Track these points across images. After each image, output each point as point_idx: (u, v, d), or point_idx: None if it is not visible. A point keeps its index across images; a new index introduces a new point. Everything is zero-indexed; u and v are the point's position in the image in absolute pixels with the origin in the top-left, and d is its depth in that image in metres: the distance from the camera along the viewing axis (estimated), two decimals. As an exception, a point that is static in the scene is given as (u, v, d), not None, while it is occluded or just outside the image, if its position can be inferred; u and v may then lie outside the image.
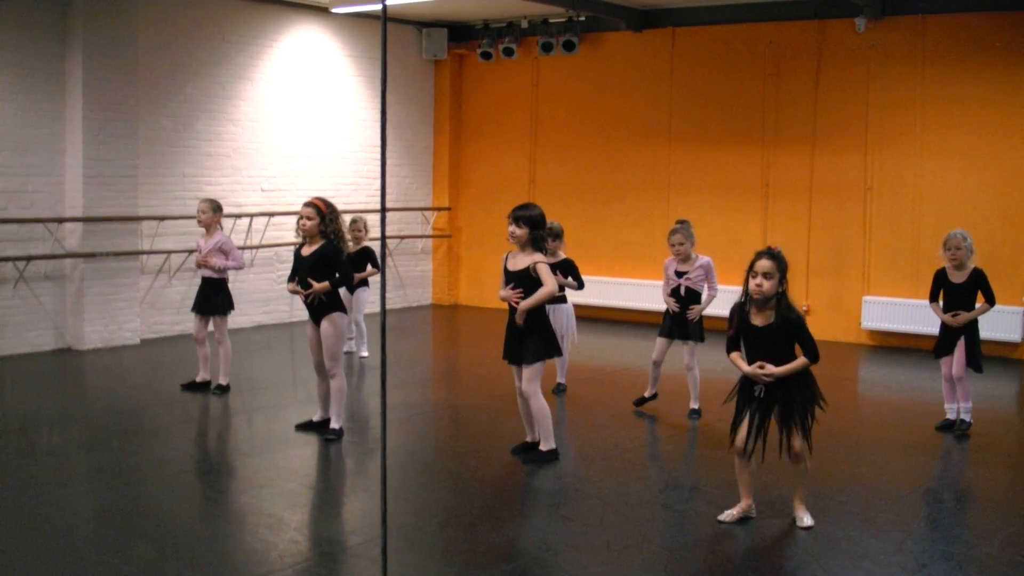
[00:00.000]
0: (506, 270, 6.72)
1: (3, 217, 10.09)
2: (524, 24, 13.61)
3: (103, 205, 10.64)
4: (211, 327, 8.72)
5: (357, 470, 6.79)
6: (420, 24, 14.17)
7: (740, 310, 5.54)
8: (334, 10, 12.40)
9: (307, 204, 7.24)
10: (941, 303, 7.69)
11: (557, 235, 8.65)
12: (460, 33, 14.24)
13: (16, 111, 10.23)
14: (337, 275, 7.21)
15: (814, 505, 5.93)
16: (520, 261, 6.65)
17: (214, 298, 8.62)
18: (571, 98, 13.71)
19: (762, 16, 12.15)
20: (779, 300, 5.42)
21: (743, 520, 5.65)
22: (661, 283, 8.36)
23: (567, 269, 8.58)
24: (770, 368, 5.40)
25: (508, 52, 13.52)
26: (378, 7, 11.95)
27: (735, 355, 5.59)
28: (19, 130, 10.26)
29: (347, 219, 10.45)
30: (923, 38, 11.27)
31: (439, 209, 14.61)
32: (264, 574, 4.91)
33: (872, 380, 10.28)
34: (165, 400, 8.46)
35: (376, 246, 13.32)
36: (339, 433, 7.30)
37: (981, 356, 7.63)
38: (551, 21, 13.22)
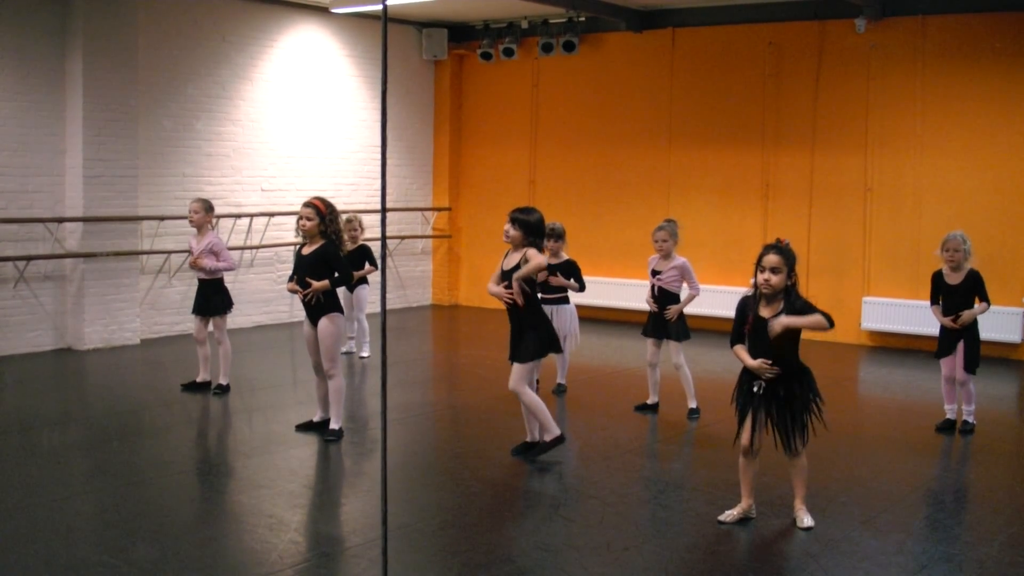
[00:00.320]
0: (502, 270, 6.76)
1: (3, 217, 10.09)
2: (524, 24, 13.61)
3: (103, 205, 10.64)
4: (211, 327, 8.71)
5: (357, 471, 6.79)
6: (420, 24, 14.18)
7: (750, 303, 5.56)
8: (334, 10, 12.40)
9: (306, 204, 7.24)
10: (940, 304, 7.70)
11: (559, 236, 8.64)
12: (460, 33, 14.25)
13: (16, 111, 10.23)
14: (336, 274, 7.22)
15: (814, 505, 5.93)
16: (513, 259, 6.70)
17: (212, 298, 8.62)
18: (571, 99, 13.71)
19: (762, 17, 12.15)
20: (788, 293, 5.44)
21: (743, 520, 5.65)
22: None
23: (569, 270, 8.58)
24: (783, 319, 5.35)
25: (508, 52, 13.53)
26: (378, 7, 11.95)
27: (739, 348, 5.59)
28: (19, 130, 10.26)
29: (343, 219, 10.50)
30: (923, 39, 11.27)
31: (439, 209, 14.61)
32: (264, 574, 4.91)
33: (872, 381, 10.27)
34: (165, 400, 8.46)
35: (372, 245, 13.34)
36: (339, 434, 7.29)
37: (978, 358, 7.62)
38: (551, 22, 13.22)
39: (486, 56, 13.68)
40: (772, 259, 5.41)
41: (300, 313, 11.24)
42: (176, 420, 8.03)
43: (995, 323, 10.77)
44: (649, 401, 8.34)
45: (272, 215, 12.33)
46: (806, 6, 11.84)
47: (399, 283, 14.27)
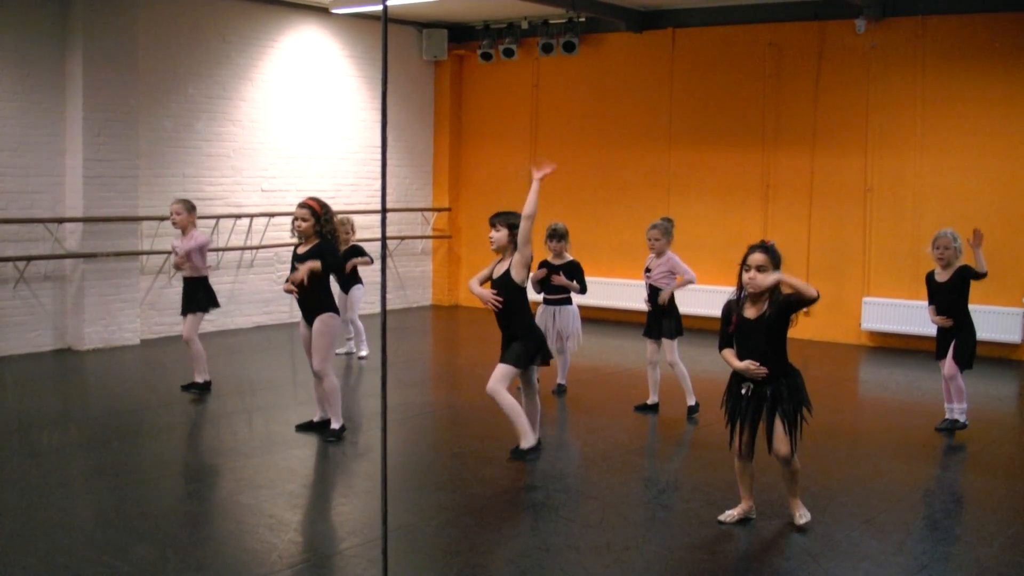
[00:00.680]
0: (491, 275, 6.67)
1: (3, 217, 10.10)
2: (524, 25, 13.61)
3: (103, 205, 10.64)
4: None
5: (357, 471, 6.79)
6: (420, 25, 14.18)
7: (734, 306, 5.48)
8: (334, 11, 12.40)
9: (301, 205, 7.23)
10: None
11: (562, 236, 8.66)
12: (460, 34, 14.25)
13: (16, 111, 10.23)
14: (327, 260, 7.14)
15: (814, 505, 5.93)
16: (501, 266, 6.56)
17: (195, 295, 8.50)
18: (571, 99, 13.71)
19: (762, 17, 12.15)
20: (772, 293, 5.37)
21: (743, 521, 5.64)
22: None
23: (572, 271, 8.59)
24: (775, 274, 5.26)
25: (508, 53, 13.53)
26: (378, 8, 11.96)
27: (727, 352, 5.53)
28: (19, 130, 10.26)
29: (352, 219, 10.51)
30: (923, 39, 11.27)
31: (439, 210, 14.62)
32: (264, 574, 4.91)
33: (872, 381, 10.28)
34: (165, 400, 8.46)
35: (372, 245, 13.31)
36: (339, 433, 7.29)
37: (970, 354, 7.53)
38: (551, 22, 13.22)
39: (486, 56, 13.68)
40: (758, 257, 5.35)
41: (300, 313, 11.25)
42: (176, 420, 8.03)
43: (995, 323, 10.78)
44: (649, 401, 8.34)
45: (272, 215, 12.33)
46: (806, 6, 11.84)
47: (399, 283, 14.27)
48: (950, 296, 7.52)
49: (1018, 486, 6.70)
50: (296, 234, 7.34)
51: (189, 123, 11.64)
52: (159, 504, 6.02)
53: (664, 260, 8.07)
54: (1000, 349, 10.91)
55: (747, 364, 5.40)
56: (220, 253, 11.92)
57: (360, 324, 10.45)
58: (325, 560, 5.12)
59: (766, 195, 12.29)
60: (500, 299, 6.52)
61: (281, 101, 12.61)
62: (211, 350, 10.51)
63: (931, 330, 7.81)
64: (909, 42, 11.34)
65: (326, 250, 7.19)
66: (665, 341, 8.07)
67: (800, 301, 5.34)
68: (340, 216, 10.29)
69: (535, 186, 6.41)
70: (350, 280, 10.16)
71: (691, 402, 8.18)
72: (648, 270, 8.14)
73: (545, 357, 6.72)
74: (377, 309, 12.41)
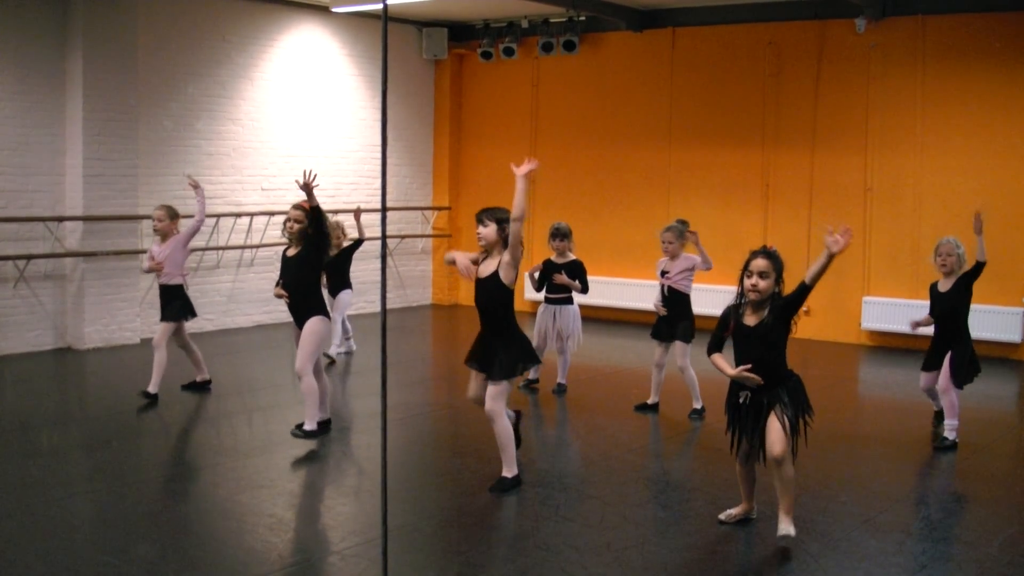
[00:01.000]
0: (477, 278, 6.18)
1: (3, 216, 10.09)
2: (524, 24, 13.61)
3: (103, 204, 10.64)
4: (125, 338, 8.40)
5: (357, 470, 6.79)
6: (420, 24, 14.17)
7: (734, 312, 5.33)
8: (334, 9, 12.40)
9: (296, 207, 7.17)
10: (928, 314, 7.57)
11: (565, 235, 8.66)
12: (460, 33, 14.24)
13: (16, 111, 10.23)
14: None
15: (814, 505, 5.94)
16: (491, 264, 6.10)
17: (171, 302, 8.36)
18: (571, 98, 13.71)
19: (762, 16, 12.15)
20: (774, 300, 5.26)
21: (743, 521, 5.63)
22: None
23: (575, 271, 8.59)
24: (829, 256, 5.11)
25: (508, 52, 13.52)
26: (378, 6, 11.95)
27: (716, 357, 5.37)
28: (19, 130, 10.26)
29: (342, 222, 10.47)
30: (923, 39, 11.26)
31: (439, 209, 14.61)
32: (264, 574, 4.91)
33: (872, 381, 10.28)
34: (165, 400, 8.45)
35: (372, 245, 13.31)
36: (310, 434, 7.06)
37: (967, 372, 7.34)
38: (551, 21, 13.22)
39: (486, 55, 13.68)
40: (760, 263, 5.23)
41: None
42: (176, 419, 8.03)
43: (995, 323, 10.78)
44: (649, 401, 8.30)
45: (272, 214, 12.33)
46: (806, 6, 11.84)
47: (399, 283, 14.27)
48: (950, 304, 7.36)
49: (1018, 486, 6.70)
50: (287, 235, 7.23)
51: (189, 122, 11.64)
52: (159, 504, 6.02)
53: (680, 260, 8.02)
54: (1000, 349, 10.91)
55: (739, 371, 5.24)
56: (220, 252, 11.92)
57: (340, 328, 10.18)
58: (325, 560, 5.12)
59: (766, 194, 12.29)
60: (476, 265, 6.12)
61: (281, 100, 12.61)
62: (211, 349, 10.53)
63: (931, 330, 7.74)
64: (909, 42, 11.34)
65: (316, 247, 7.09)
66: (678, 344, 8.00)
67: (796, 301, 5.20)
68: (332, 220, 10.28)
69: (521, 185, 5.96)
70: (339, 284, 10.03)
71: (697, 406, 8.13)
72: (664, 272, 8.07)
73: (528, 363, 6.27)
74: (377, 308, 12.41)
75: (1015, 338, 10.83)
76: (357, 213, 9.96)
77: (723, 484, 6.28)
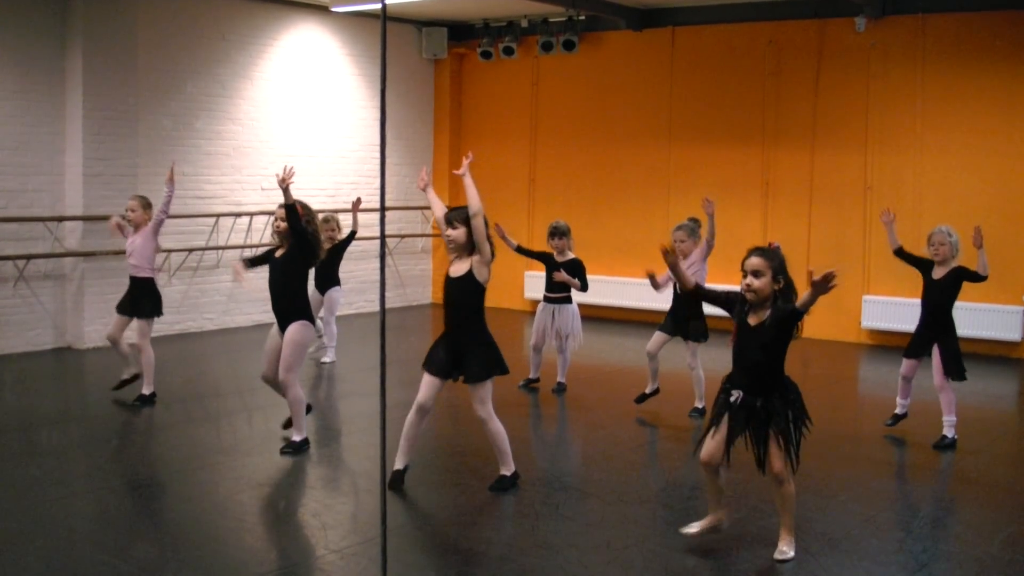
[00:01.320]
0: (447, 276, 6.09)
1: (3, 216, 10.09)
2: (524, 23, 13.61)
3: (103, 204, 10.63)
4: (134, 335, 8.26)
5: (357, 470, 6.79)
6: (420, 23, 14.17)
7: (740, 308, 5.09)
8: (334, 9, 12.40)
9: (283, 206, 6.96)
10: (920, 300, 7.52)
11: (564, 233, 8.67)
12: (460, 32, 14.24)
13: (16, 110, 10.23)
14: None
15: (814, 504, 5.93)
16: (461, 266, 6.01)
17: (141, 300, 8.23)
18: (571, 97, 13.71)
19: (762, 15, 12.14)
20: (775, 299, 5.00)
21: (714, 531, 5.28)
22: None
23: (575, 269, 8.58)
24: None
25: (508, 51, 13.52)
26: (378, 6, 11.94)
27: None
28: (19, 129, 10.26)
29: (319, 218, 10.40)
30: (923, 37, 11.26)
31: (439, 208, 14.60)
32: (264, 574, 4.91)
33: (872, 379, 10.27)
34: (164, 399, 8.45)
35: (372, 244, 13.26)
36: (299, 446, 6.93)
37: (961, 363, 7.28)
38: (551, 20, 13.21)
39: (486, 55, 13.67)
40: (753, 261, 4.98)
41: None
42: (176, 418, 8.03)
43: (995, 322, 10.78)
44: (648, 390, 8.18)
45: (272, 214, 12.29)
46: (806, 5, 11.83)
47: (399, 282, 14.26)
48: (941, 296, 7.34)
49: (1018, 484, 6.70)
50: (275, 235, 7.06)
51: (188, 121, 11.63)
52: (159, 503, 6.02)
53: (694, 259, 7.96)
54: (1000, 347, 10.91)
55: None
56: (220, 252, 11.91)
57: (335, 329, 10.11)
58: (325, 559, 5.12)
59: (766, 193, 12.29)
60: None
61: (281, 99, 12.60)
62: (211, 349, 10.55)
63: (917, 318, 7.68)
64: (909, 40, 11.34)
65: (302, 247, 6.91)
66: (690, 344, 7.98)
67: (796, 312, 4.92)
68: (326, 214, 10.25)
69: (466, 181, 5.93)
70: (327, 281, 9.96)
71: (699, 405, 8.10)
72: None
73: (501, 369, 6.12)
74: (376, 308, 12.39)
75: (1015, 337, 10.83)
76: (355, 205, 9.83)
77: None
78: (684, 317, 8.00)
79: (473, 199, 5.87)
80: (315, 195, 12.91)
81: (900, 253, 7.70)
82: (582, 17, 12.96)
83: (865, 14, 11.27)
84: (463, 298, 6.03)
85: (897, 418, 7.65)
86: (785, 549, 5.12)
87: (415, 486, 6.27)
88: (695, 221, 8.14)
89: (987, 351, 10.91)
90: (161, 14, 11.29)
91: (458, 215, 5.98)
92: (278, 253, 7.07)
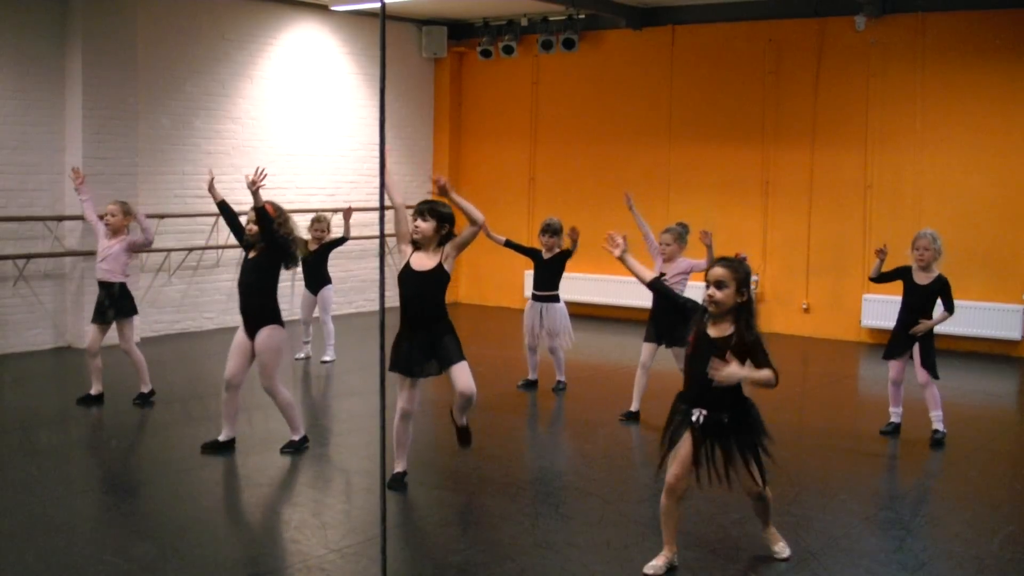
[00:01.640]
0: (409, 269, 5.96)
1: (3, 215, 10.09)
2: (524, 22, 13.60)
3: (103, 203, 10.56)
4: (120, 340, 8.21)
5: (356, 470, 6.78)
6: (420, 22, 14.17)
7: (699, 317, 4.89)
8: (334, 8, 12.40)
9: (254, 209, 6.84)
10: (901, 300, 7.52)
11: (556, 231, 8.74)
12: (460, 31, 14.24)
13: (16, 109, 10.23)
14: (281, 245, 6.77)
15: (814, 503, 5.93)
16: (427, 260, 5.94)
17: (118, 301, 8.14)
18: (571, 96, 13.71)
19: (762, 14, 12.14)
20: (739, 312, 4.76)
21: (670, 569, 4.96)
22: None
23: (561, 258, 8.71)
24: (734, 367, 4.64)
25: (508, 50, 13.52)
26: (377, 5, 11.91)
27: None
28: (19, 128, 10.25)
29: (330, 218, 10.43)
30: (923, 36, 11.26)
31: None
32: (264, 574, 4.91)
33: (872, 378, 10.26)
34: (165, 399, 8.45)
35: (369, 243, 13.24)
36: (299, 445, 6.93)
37: (935, 361, 7.31)
38: (551, 19, 13.21)
39: (486, 54, 13.67)
40: (716, 272, 4.75)
41: (300, 312, 11.22)
42: (175, 419, 8.03)
43: (995, 320, 10.77)
44: (632, 408, 7.97)
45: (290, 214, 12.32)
46: (806, 3, 11.83)
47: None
48: (926, 301, 7.35)
49: (1018, 483, 6.70)
50: (247, 237, 6.93)
51: (188, 121, 11.63)
52: (159, 503, 6.02)
53: (677, 263, 7.96)
54: (1000, 346, 10.91)
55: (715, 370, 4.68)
56: (220, 251, 11.91)
57: (332, 327, 10.08)
58: (325, 559, 5.12)
59: (766, 192, 12.29)
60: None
61: (280, 98, 12.60)
62: (211, 348, 10.55)
63: (894, 317, 7.68)
64: (909, 39, 11.34)
65: (273, 250, 6.78)
66: (676, 350, 7.87)
67: (759, 343, 4.76)
68: (317, 214, 10.27)
69: (454, 197, 6.04)
70: (319, 280, 9.97)
71: None
72: (662, 275, 8.00)
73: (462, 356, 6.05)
74: (375, 307, 12.39)
75: (1015, 335, 10.83)
76: (347, 212, 9.83)
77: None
78: (670, 321, 7.86)
79: (473, 212, 5.96)
80: (315, 194, 12.94)
81: (878, 279, 7.74)
82: (582, 16, 12.96)
83: (865, 13, 11.26)
84: (432, 291, 5.97)
85: (894, 427, 7.61)
86: (783, 546, 5.16)
87: (415, 486, 6.27)
88: (683, 226, 8.13)
89: (987, 350, 10.91)
90: (161, 14, 11.28)
91: (431, 209, 5.97)
92: (251, 254, 6.89)
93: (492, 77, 14.29)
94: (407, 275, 5.96)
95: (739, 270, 4.78)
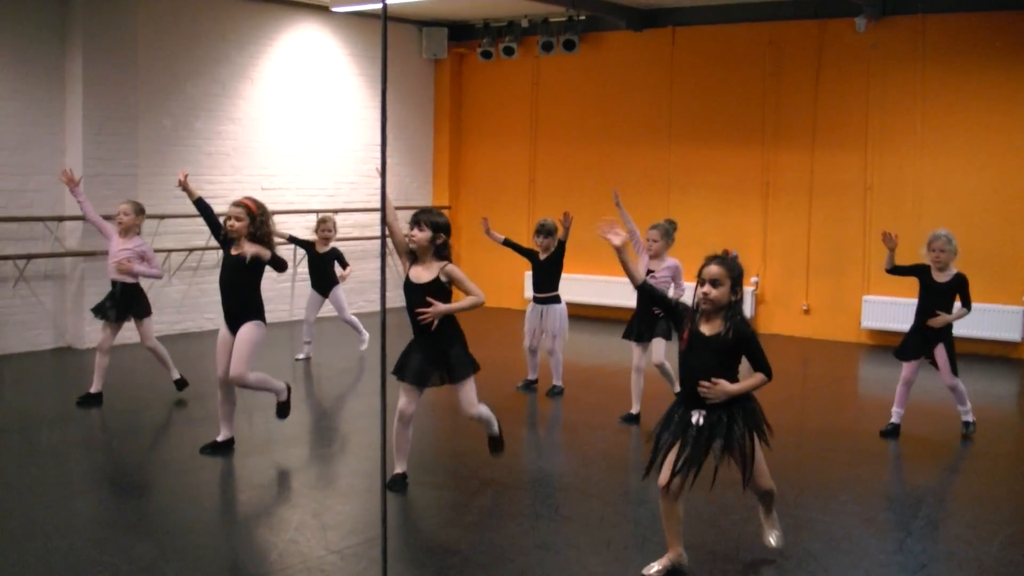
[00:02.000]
0: (408, 282, 6.03)
1: (3, 216, 10.09)
2: (524, 23, 13.61)
3: (103, 204, 10.56)
4: (126, 338, 8.24)
5: (356, 470, 6.78)
6: (420, 23, 14.17)
7: (691, 316, 4.91)
8: (334, 9, 12.40)
9: (236, 204, 6.82)
10: (918, 300, 7.55)
11: (550, 233, 8.74)
12: (460, 32, 14.24)
13: (16, 110, 10.23)
14: (275, 256, 6.79)
15: (814, 505, 5.93)
16: (424, 272, 5.96)
17: (133, 304, 8.19)
18: (571, 97, 13.71)
19: (762, 16, 12.15)
20: (731, 310, 4.80)
21: (674, 571, 4.96)
22: None
23: (556, 260, 8.73)
24: (724, 384, 4.74)
25: (508, 51, 13.52)
26: (378, 6, 11.95)
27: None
28: (19, 129, 10.26)
29: (335, 218, 10.46)
30: (923, 37, 11.26)
31: (439, 208, 14.60)
32: (264, 574, 4.91)
33: (872, 380, 10.27)
34: (165, 399, 8.45)
35: (370, 244, 13.29)
36: (285, 406, 7.10)
37: (956, 362, 7.42)
38: (551, 20, 13.22)
39: (486, 55, 13.67)
40: (712, 270, 4.79)
41: (300, 312, 11.25)
42: (176, 419, 8.03)
43: (995, 321, 10.77)
44: (633, 411, 7.98)
45: (272, 214, 12.31)
46: (806, 5, 11.84)
47: (399, 282, 14.21)
48: (944, 300, 7.39)
49: (1018, 485, 6.70)
50: (226, 235, 6.92)
51: (188, 121, 11.63)
52: (159, 503, 6.01)
53: (670, 265, 7.94)
54: (1000, 347, 10.91)
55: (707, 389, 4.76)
56: (220, 251, 11.87)
57: (353, 318, 10.41)
58: (325, 559, 5.12)
59: (766, 193, 12.29)
60: (428, 313, 5.91)
61: (281, 99, 12.60)
62: (211, 349, 10.50)
63: (913, 317, 7.69)
64: (909, 40, 11.34)
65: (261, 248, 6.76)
66: (657, 340, 7.87)
67: (754, 338, 4.84)
68: (322, 215, 10.32)
69: (457, 306, 6.05)
70: (327, 283, 10.09)
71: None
72: (650, 271, 8.02)
73: (476, 367, 6.15)
74: (377, 307, 12.40)
75: (1015, 337, 10.83)
76: (343, 276, 10.15)
77: (723, 482, 6.24)
78: (652, 316, 7.85)
79: (473, 302, 6.05)
80: (315, 195, 12.94)
81: (893, 271, 7.77)
82: (582, 17, 12.96)
83: (865, 14, 11.27)
84: (436, 301, 5.96)
85: (893, 428, 7.60)
86: (777, 536, 5.20)
87: (415, 486, 6.27)
88: (671, 223, 8.16)
89: (987, 351, 10.91)
90: (161, 14, 11.29)
91: (427, 218, 5.94)
92: (233, 251, 6.87)
93: (492, 78, 14.30)
94: (407, 288, 6.03)
95: (733, 268, 4.84)
